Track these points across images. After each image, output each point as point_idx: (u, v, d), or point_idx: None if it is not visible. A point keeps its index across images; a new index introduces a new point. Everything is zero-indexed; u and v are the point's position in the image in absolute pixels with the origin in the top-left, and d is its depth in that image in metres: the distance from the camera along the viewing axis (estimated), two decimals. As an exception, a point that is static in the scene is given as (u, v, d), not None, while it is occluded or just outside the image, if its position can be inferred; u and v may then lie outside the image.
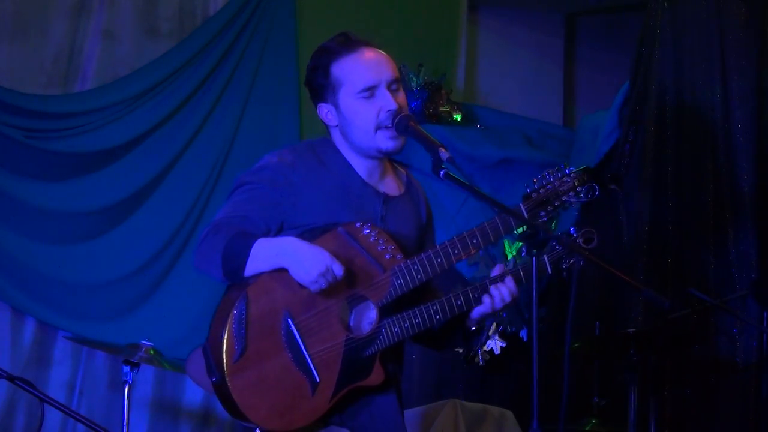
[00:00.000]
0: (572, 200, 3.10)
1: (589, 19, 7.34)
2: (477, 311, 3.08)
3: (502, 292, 3.06)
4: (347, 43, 3.08)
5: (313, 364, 2.90)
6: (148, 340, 4.57)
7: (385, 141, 3.04)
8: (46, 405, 3.04)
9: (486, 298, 3.06)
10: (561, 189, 3.08)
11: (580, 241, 3.14)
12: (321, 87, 3.07)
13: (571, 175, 3.10)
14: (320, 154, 3.09)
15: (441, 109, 6.12)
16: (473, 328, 3.14)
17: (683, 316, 4.93)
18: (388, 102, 3.03)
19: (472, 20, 6.76)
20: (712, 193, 5.37)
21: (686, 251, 5.38)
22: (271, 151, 3.11)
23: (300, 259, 2.87)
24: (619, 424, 4.82)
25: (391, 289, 2.97)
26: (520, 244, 5.51)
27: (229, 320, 2.87)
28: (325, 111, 3.09)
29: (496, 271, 3.12)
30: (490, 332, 5.46)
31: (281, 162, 3.04)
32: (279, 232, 3.01)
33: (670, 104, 5.50)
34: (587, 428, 4.94)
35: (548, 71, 7.08)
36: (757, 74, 5.44)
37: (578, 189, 3.09)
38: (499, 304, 3.06)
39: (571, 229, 3.18)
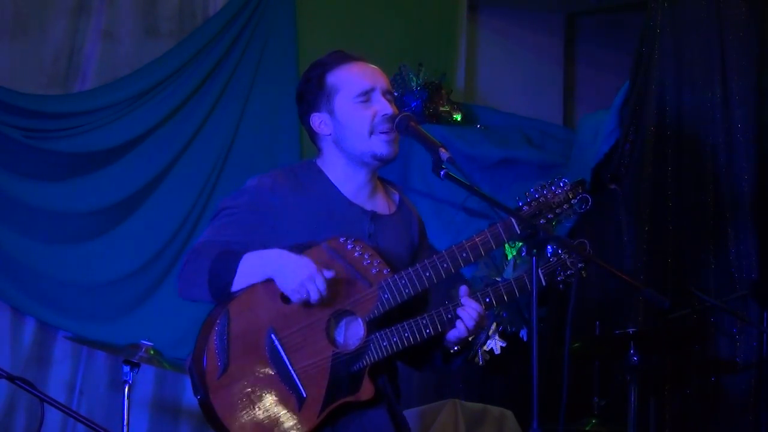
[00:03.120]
0: (565, 213, 3.08)
1: (589, 19, 7.34)
2: (452, 336, 3.05)
3: (469, 312, 3.03)
4: (342, 56, 3.10)
5: (299, 380, 2.88)
6: (148, 340, 4.57)
7: (380, 145, 3.03)
8: (46, 405, 3.04)
9: (458, 323, 3.03)
10: (554, 201, 3.06)
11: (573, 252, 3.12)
12: (315, 97, 3.07)
13: (565, 187, 3.08)
14: (301, 177, 3.07)
15: (441, 109, 6.12)
16: (455, 348, 3.10)
17: (683, 316, 4.93)
18: (383, 107, 3.03)
19: (472, 20, 6.76)
20: (712, 193, 5.37)
21: (686, 251, 5.38)
22: (252, 176, 3.10)
23: (284, 267, 2.86)
24: (619, 424, 4.82)
25: (379, 303, 2.95)
26: (521, 244, 5.50)
27: (211, 337, 2.85)
28: (318, 121, 3.08)
29: (462, 292, 3.08)
30: (490, 332, 5.45)
31: (261, 185, 3.03)
32: None
33: (670, 104, 5.50)
34: (587, 428, 4.94)
35: (548, 71, 7.08)
36: (757, 74, 5.44)
37: (572, 201, 3.07)
38: (471, 324, 3.03)
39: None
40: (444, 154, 2.89)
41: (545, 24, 7.10)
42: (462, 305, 3.04)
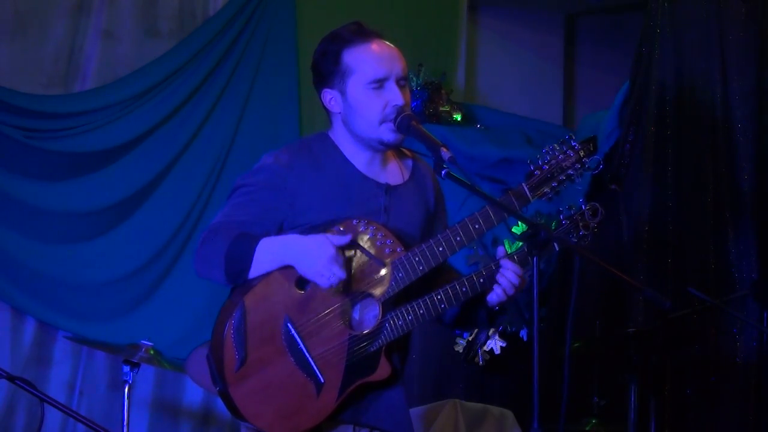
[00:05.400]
0: (577, 173, 3.08)
1: (589, 19, 7.34)
2: (492, 300, 3.05)
3: (508, 277, 3.02)
4: (360, 32, 3.09)
5: (317, 366, 2.90)
6: (148, 340, 4.57)
7: (388, 133, 3.03)
8: (46, 405, 3.04)
9: (495, 287, 3.03)
10: (565, 163, 3.06)
11: (587, 213, 3.11)
12: (329, 73, 3.06)
13: (576, 147, 3.08)
14: (317, 152, 3.08)
15: (441, 109, 6.11)
16: (496, 308, 3.10)
17: (683, 316, 4.93)
18: (395, 97, 3.03)
19: (472, 20, 6.76)
20: (712, 193, 5.37)
21: (686, 251, 5.38)
22: (268, 152, 3.11)
23: (305, 254, 2.87)
24: (619, 424, 4.82)
25: (393, 282, 2.96)
26: (521, 244, 5.51)
27: (228, 330, 2.87)
28: (329, 97, 3.08)
29: (500, 252, 3.09)
30: (490, 332, 5.45)
31: (277, 163, 3.04)
32: (278, 233, 3.01)
33: (670, 104, 5.50)
34: (587, 428, 4.94)
35: (548, 71, 7.08)
36: (757, 74, 5.44)
37: (583, 160, 3.08)
38: (510, 290, 3.03)
39: (580, 200, 3.16)
40: (446, 153, 2.89)
41: (545, 24, 7.10)
42: (501, 269, 3.03)
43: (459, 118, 6.17)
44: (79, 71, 5.33)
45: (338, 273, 2.86)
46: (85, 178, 5.26)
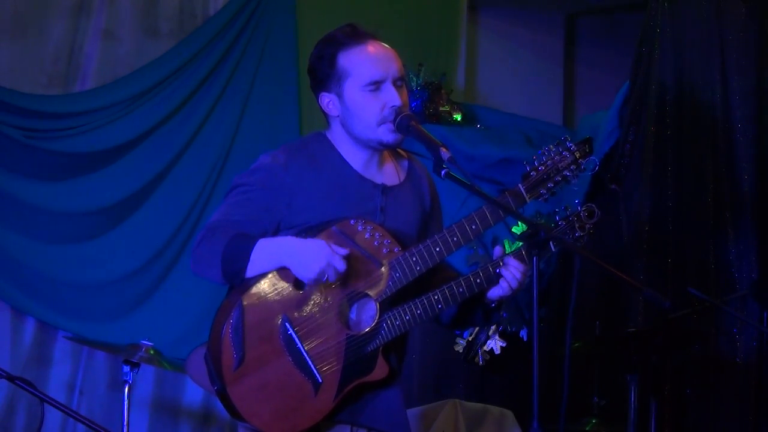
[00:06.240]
0: (574, 174, 3.08)
1: (589, 19, 7.34)
2: (494, 294, 3.06)
3: (512, 272, 3.03)
4: (355, 34, 3.08)
5: (314, 365, 2.91)
6: (148, 340, 4.57)
7: (387, 134, 3.04)
8: (46, 405, 3.05)
9: (501, 281, 3.04)
10: (561, 164, 3.07)
11: (583, 214, 3.12)
12: (326, 76, 3.05)
13: (572, 148, 3.08)
14: (314, 152, 3.08)
15: (441, 109, 6.11)
16: (493, 305, 3.11)
17: (683, 316, 4.93)
18: (392, 98, 3.03)
19: (472, 20, 6.76)
20: (712, 193, 5.37)
21: (686, 251, 5.38)
22: (266, 152, 3.11)
23: (301, 256, 2.88)
24: (619, 424, 4.82)
25: (390, 282, 2.96)
26: (520, 244, 5.52)
27: (226, 329, 2.87)
28: (327, 101, 3.08)
29: (497, 252, 3.10)
30: (490, 332, 5.45)
31: (274, 163, 3.04)
32: (276, 233, 3.02)
33: (670, 104, 5.50)
34: (587, 428, 4.94)
35: (548, 71, 7.08)
36: (757, 74, 5.44)
37: (580, 161, 3.08)
38: (514, 284, 3.03)
39: (576, 200, 3.17)
40: (445, 153, 2.89)
41: (545, 24, 7.10)
42: (505, 264, 3.04)
43: (459, 118, 6.17)
44: (79, 71, 5.33)
45: (332, 278, 2.87)
46: (85, 178, 5.26)
